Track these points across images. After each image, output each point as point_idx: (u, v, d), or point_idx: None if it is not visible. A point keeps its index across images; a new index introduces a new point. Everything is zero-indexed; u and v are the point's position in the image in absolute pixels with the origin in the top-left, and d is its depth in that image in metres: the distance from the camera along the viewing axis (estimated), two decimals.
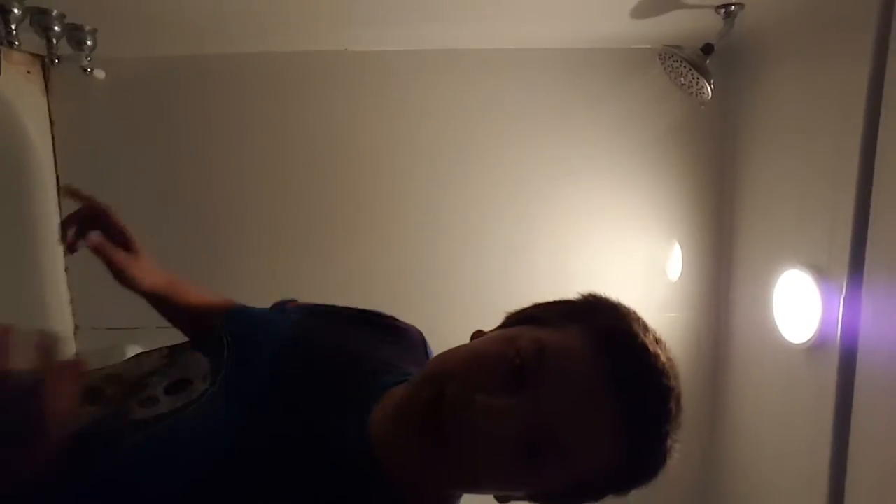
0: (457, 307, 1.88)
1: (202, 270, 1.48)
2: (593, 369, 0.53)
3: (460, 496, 0.63)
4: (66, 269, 1.87)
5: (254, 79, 1.83)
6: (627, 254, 1.87)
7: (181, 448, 0.56)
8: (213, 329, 0.74)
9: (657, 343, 0.60)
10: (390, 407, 0.57)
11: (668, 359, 0.59)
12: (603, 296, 0.67)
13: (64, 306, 1.86)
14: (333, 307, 0.82)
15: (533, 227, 1.87)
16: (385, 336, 0.78)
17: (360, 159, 1.85)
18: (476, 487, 0.55)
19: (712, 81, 1.37)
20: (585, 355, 0.54)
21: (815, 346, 1.35)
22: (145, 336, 1.88)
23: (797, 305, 1.42)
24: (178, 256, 1.81)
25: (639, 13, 1.43)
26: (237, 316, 0.80)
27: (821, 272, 1.33)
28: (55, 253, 1.83)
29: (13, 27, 1.33)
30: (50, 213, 1.82)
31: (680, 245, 1.86)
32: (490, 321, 1.93)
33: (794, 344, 1.43)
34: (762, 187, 1.64)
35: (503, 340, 0.57)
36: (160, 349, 0.76)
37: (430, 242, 1.88)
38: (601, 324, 0.59)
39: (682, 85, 1.44)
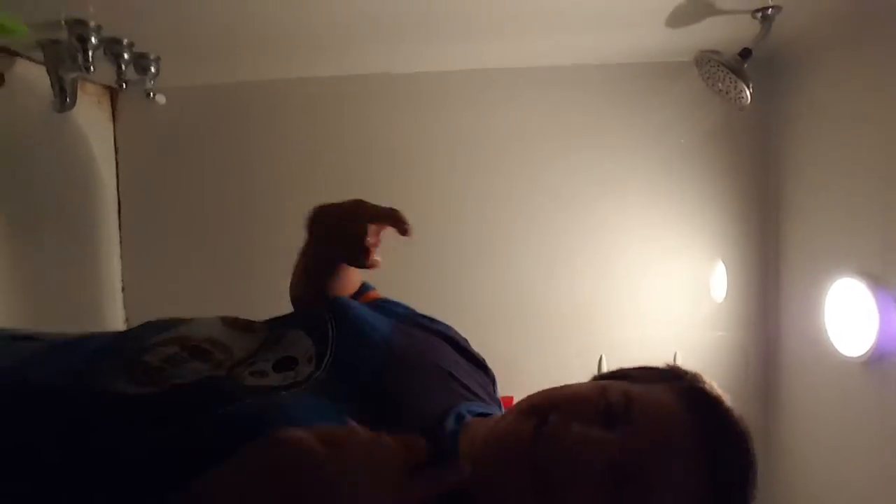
0: (498, 328, 1.87)
1: (248, 292, 1.54)
2: (681, 420, 0.57)
3: None
4: (123, 289, 1.97)
5: (304, 103, 1.91)
6: (670, 273, 1.83)
7: (289, 422, 0.54)
8: (318, 312, 0.74)
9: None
10: (483, 436, 0.59)
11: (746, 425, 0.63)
12: (682, 367, 0.70)
13: (119, 326, 1.95)
14: (431, 319, 0.84)
15: (572, 246, 1.85)
16: (468, 362, 0.80)
17: (395, 180, 1.89)
18: None
19: (751, 85, 1.35)
20: (673, 407, 0.58)
21: (874, 360, 1.26)
22: None
23: (851, 316, 1.34)
24: (225, 279, 1.91)
25: (674, 22, 1.43)
26: (342, 306, 0.77)
27: (875, 279, 1.26)
28: (113, 272, 1.94)
29: (90, 55, 1.45)
30: (110, 234, 1.93)
31: (724, 263, 1.80)
32: (530, 344, 1.92)
33: (849, 357, 1.34)
34: (807, 194, 1.58)
35: (595, 387, 0.61)
36: (254, 322, 0.76)
37: (468, 264, 1.88)
38: (687, 384, 0.64)
39: (720, 91, 1.42)
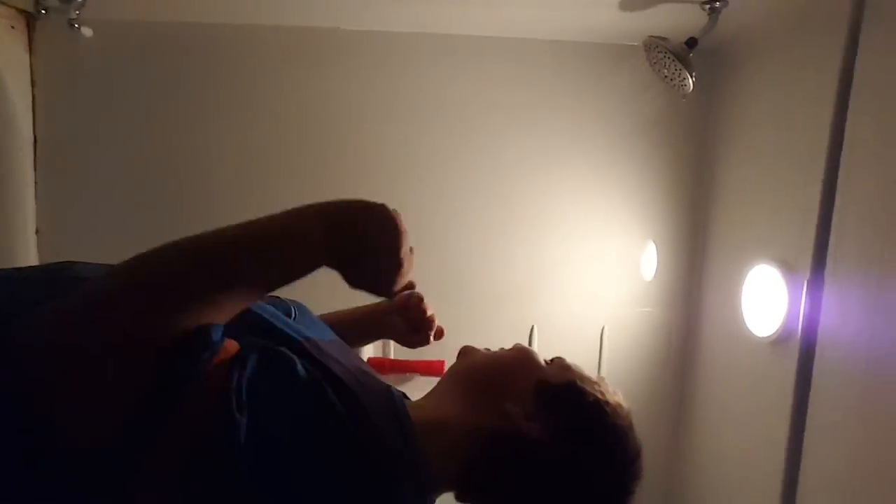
0: (432, 299, 1.88)
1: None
2: None
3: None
4: (37, 232, 1.84)
5: (241, 50, 1.82)
6: (603, 250, 1.90)
7: None
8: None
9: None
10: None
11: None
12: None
13: None
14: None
15: (510, 218, 1.89)
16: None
17: (341, 138, 1.85)
18: None
19: (694, 75, 1.40)
20: None
21: (779, 340, 1.37)
22: None
23: (765, 300, 1.44)
24: (153, 226, 1.83)
25: (627, 5, 1.45)
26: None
27: (788, 267, 1.36)
28: (27, 214, 1.81)
29: None
30: (25, 172, 1.80)
31: (655, 243, 1.89)
32: (465, 315, 1.95)
33: (759, 337, 1.45)
34: (737, 183, 1.68)
35: None
36: None
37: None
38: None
39: (665, 77, 1.47)
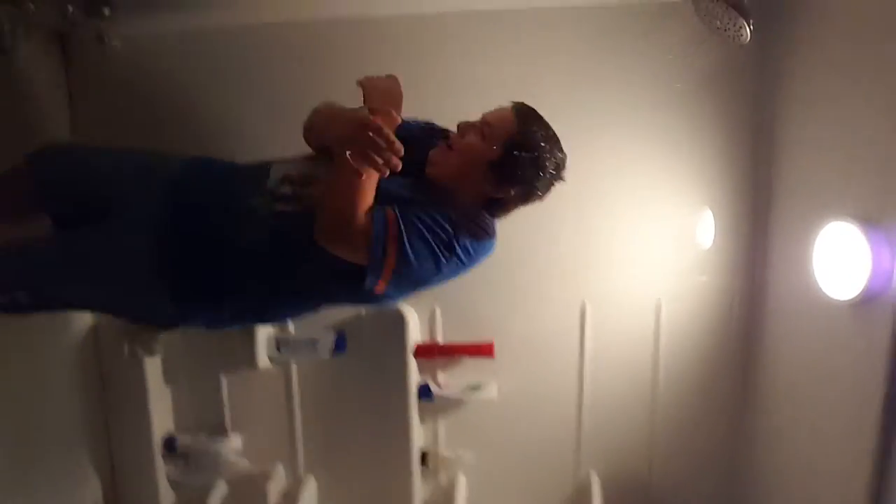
0: (481, 276, 1.81)
1: None
2: (510, 117, 1.23)
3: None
4: None
5: (277, 51, 1.79)
6: (656, 219, 1.80)
7: None
8: None
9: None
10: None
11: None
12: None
13: None
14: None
15: (557, 190, 1.78)
16: None
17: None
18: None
19: (751, 22, 1.29)
20: (508, 113, 1.24)
21: (863, 302, 1.25)
22: None
23: (841, 260, 1.33)
24: None
25: None
26: None
27: (870, 222, 1.24)
28: None
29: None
30: None
31: (711, 208, 1.77)
32: (513, 292, 1.89)
33: (838, 301, 1.34)
34: (802, 137, 1.55)
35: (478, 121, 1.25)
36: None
37: None
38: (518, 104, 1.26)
39: (718, 28, 1.35)
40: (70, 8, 1.43)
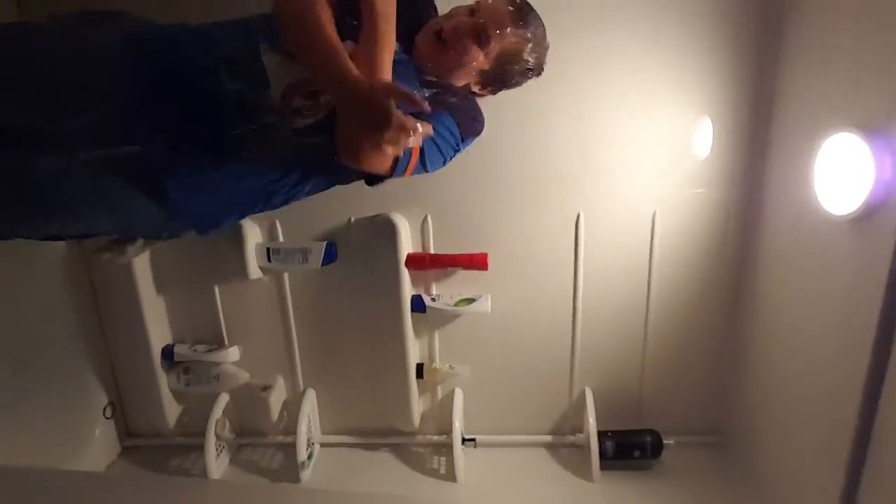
0: (474, 184, 1.78)
1: None
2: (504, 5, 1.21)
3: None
4: None
5: None
6: (652, 128, 1.72)
7: None
8: None
9: None
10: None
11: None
12: None
13: None
14: None
15: (550, 94, 1.67)
16: None
17: None
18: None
19: None
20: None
21: (864, 217, 1.23)
22: None
23: (843, 174, 1.29)
24: None
25: None
26: None
27: (875, 131, 1.19)
28: None
29: None
30: None
31: (710, 117, 1.70)
32: (508, 201, 1.85)
33: (837, 216, 1.31)
34: (810, 44, 1.46)
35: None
36: None
37: None
38: None
39: None
40: None
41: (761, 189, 1.71)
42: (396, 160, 1.09)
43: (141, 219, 1.09)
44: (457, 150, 1.22)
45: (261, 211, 1.20)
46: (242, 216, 1.23)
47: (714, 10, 1.61)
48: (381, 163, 1.07)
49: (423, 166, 1.16)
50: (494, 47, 1.19)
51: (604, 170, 1.76)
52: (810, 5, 1.48)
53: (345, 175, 1.20)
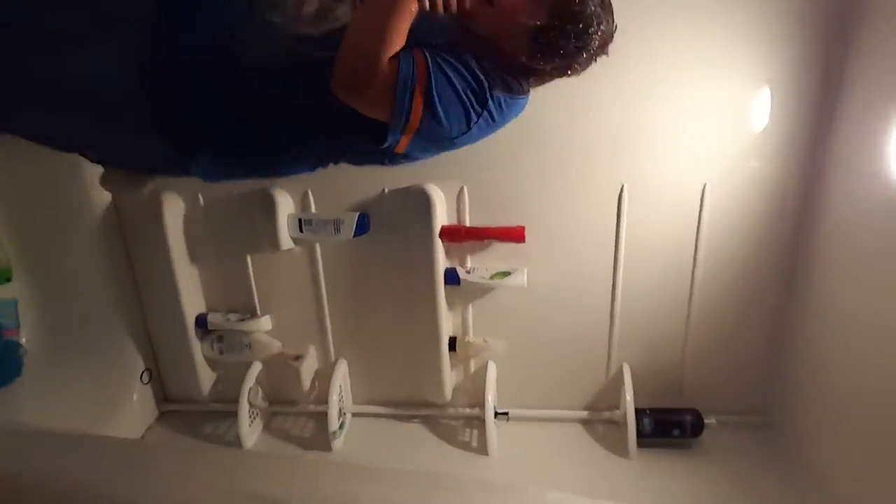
0: (515, 156, 1.70)
1: None
2: None
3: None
4: None
5: None
6: (707, 94, 1.61)
7: None
8: None
9: None
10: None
11: None
12: None
13: None
14: None
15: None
16: None
17: None
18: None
19: None
20: None
21: None
22: (181, 182, 1.80)
23: None
24: None
25: None
26: None
27: None
28: None
29: None
30: None
31: (770, 85, 1.57)
32: (549, 173, 1.75)
33: None
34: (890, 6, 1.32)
35: None
36: None
37: None
38: None
39: None
40: None
41: (825, 163, 1.59)
42: (397, 90, 0.95)
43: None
44: (487, 104, 1.03)
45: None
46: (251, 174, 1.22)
47: None
48: (376, 75, 0.94)
49: (434, 109, 0.98)
50: None
51: (650, 140, 1.66)
52: None
53: (345, 142, 1.10)
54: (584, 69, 1.09)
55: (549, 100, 1.58)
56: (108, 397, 1.89)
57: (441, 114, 0.98)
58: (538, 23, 1.00)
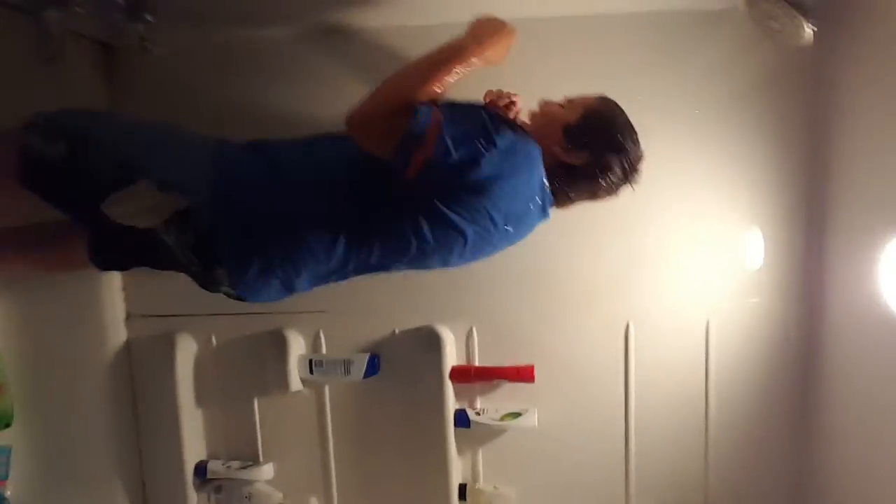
0: (520, 295, 1.76)
1: None
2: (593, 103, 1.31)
3: None
4: None
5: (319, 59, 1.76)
6: (702, 237, 1.71)
7: None
8: None
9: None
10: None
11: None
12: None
13: (116, 294, 1.83)
14: None
15: (597, 207, 1.70)
16: None
17: None
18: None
19: (812, 21, 1.23)
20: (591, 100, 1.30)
21: None
22: (195, 323, 1.85)
23: None
24: None
25: None
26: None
27: None
28: None
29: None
30: None
31: (761, 225, 1.69)
32: (553, 312, 1.80)
33: None
34: (864, 146, 1.46)
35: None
36: None
37: None
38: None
39: (775, 30, 1.30)
40: (115, 14, 1.40)
41: (821, 296, 1.65)
42: (415, 118, 1.12)
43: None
44: (493, 141, 1.14)
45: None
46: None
47: (763, 118, 1.65)
48: (396, 111, 1.13)
49: (446, 148, 1.12)
50: (579, 103, 1.26)
51: (654, 279, 1.74)
52: (858, 107, 1.49)
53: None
54: (614, 187, 1.28)
55: (558, 240, 1.70)
56: None
57: (451, 144, 1.12)
58: (572, 120, 1.23)
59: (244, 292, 1.28)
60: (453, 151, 1.12)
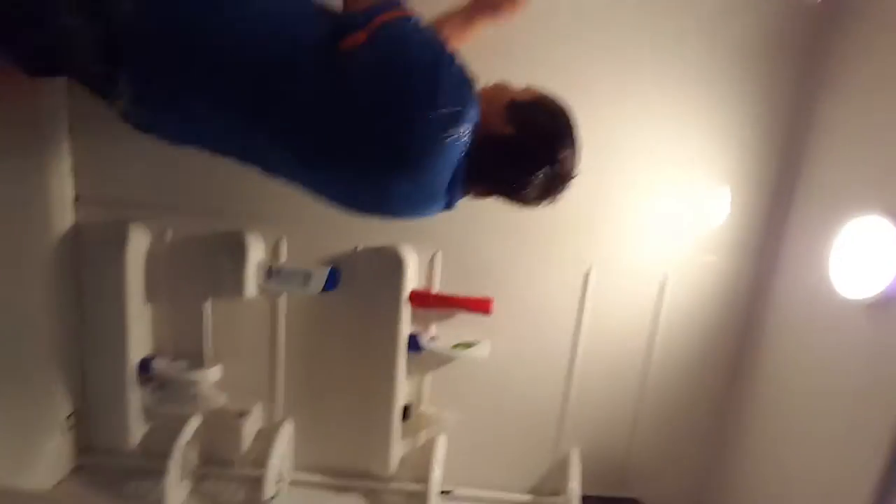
0: (485, 229, 1.76)
1: None
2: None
3: None
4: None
5: None
6: (671, 190, 1.73)
7: None
8: None
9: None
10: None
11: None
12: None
13: (65, 173, 1.71)
14: None
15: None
16: None
17: None
18: None
19: None
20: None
21: (881, 303, 1.25)
22: (151, 214, 1.76)
23: (863, 257, 1.31)
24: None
25: None
26: None
27: None
28: (58, 116, 1.67)
29: None
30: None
31: (731, 184, 1.72)
32: (517, 249, 1.82)
33: (853, 300, 1.33)
34: (845, 124, 1.49)
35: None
36: None
37: None
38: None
39: None
40: None
41: (775, 264, 1.73)
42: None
43: None
44: (445, 49, 1.14)
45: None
46: None
47: (749, 82, 1.64)
48: None
49: (408, 24, 1.14)
50: (532, 91, 1.24)
51: (619, 227, 1.76)
52: (846, 85, 1.52)
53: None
54: (526, 185, 1.22)
55: None
56: (23, 442, 1.70)
57: (408, 24, 1.15)
58: (519, 98, 1.22)
59: (141, 117, 1.18)
60: (413, 34, 1.14)
